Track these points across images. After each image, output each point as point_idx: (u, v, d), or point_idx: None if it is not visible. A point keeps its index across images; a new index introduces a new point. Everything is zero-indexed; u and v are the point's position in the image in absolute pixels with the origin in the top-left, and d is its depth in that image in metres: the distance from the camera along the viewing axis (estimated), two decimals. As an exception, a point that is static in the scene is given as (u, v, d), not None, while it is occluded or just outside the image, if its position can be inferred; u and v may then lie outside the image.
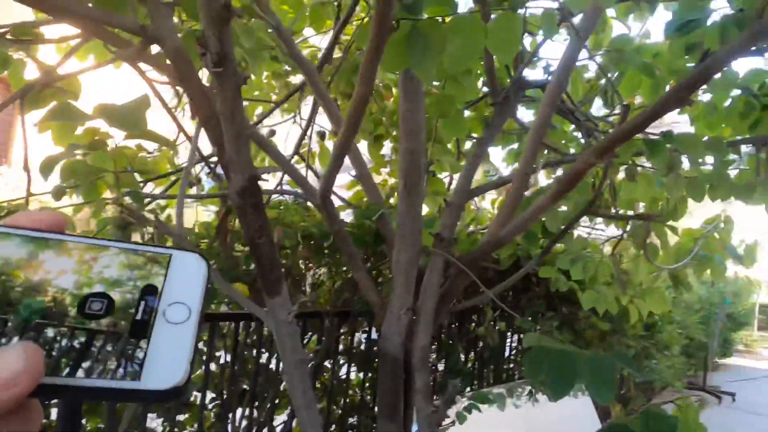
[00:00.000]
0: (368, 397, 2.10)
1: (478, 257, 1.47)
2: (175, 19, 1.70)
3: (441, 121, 1.78)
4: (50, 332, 0.28)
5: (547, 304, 2.66)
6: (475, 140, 1.61)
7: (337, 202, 1.90)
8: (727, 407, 6.72)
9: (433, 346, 2.34)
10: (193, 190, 1.87)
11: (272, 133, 2.22)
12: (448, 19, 1.16)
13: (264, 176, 1.31)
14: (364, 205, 1.59)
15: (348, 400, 2.02)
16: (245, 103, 2.31)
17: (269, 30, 1.46)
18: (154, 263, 0.33)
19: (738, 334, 11.14)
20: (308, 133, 1.78)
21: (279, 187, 1.80)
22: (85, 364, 0.28)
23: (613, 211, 2.03)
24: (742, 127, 1.71)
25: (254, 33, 1.24)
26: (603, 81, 1.93)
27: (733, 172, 1.80)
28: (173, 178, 1.67)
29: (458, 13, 1.14)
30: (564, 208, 1.97)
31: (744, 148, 1.82)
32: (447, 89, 1.73)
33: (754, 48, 1.12)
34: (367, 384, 2.09)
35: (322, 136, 2.15)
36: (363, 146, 2.30)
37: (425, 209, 2.06)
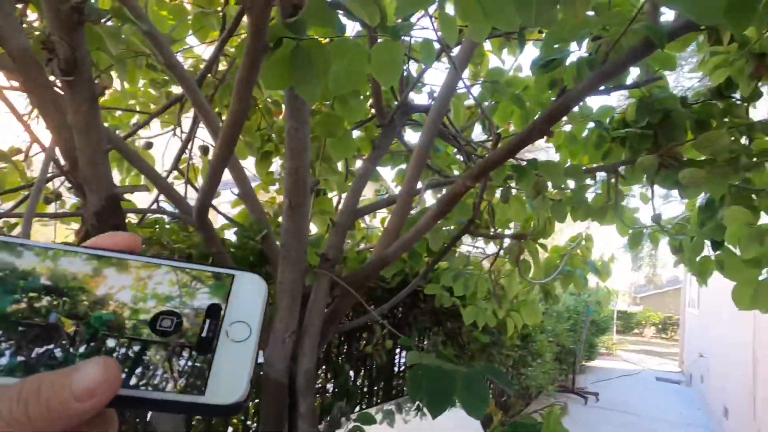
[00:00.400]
0: (253, 424, 2.01)
1: (365, 277, 1.48)
2: (35, 16, 1.52)
3: (329, 140, 1.78)
4: (124, 347, 0.30)
5: (434, 319, 2.76)
6: (362, 160, 1.63)
7: (224, 221, 1.81)
8: (592, 406, 7.45)
9: (323, 367, 2.30)
10: (52, 207, 1.67)
11: (148, 145, 2.07)
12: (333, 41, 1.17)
13: (136, 193, 1.21)
14: (247, 224, 1.53)
15: (232, 428, 1.91)
16: (119, 112, 2.13)
17: (143, 36, 1.36)
18: (219, 283, 0.35)
19: (600, 338, 12.46)
20: (188, 147, 1.68)
21: (155, 205, 1.67)
22: (156, 378, 0.30)
23: (491, 230, 2.18)
24: (597, 156, 1.93)
25: (121, 38, 1.15)
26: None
27: (591, 196, 2.03)
28: (26, 192, 1.48)
29: (342, 36, 1.15)
30: (452, 227, 2.07)
31: (599, 175, 2.05)
32: (335, 109, 1.74)
33: (602, 87, 1.28)
34: (253, 410, 1.99)
35: (204, 150, 2.05)
36: (250, 163, 2.23)
37: (315, 229, 2.04)
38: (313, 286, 1.46)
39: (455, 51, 1.54)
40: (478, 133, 2.45)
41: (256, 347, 0.33)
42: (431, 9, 1.04)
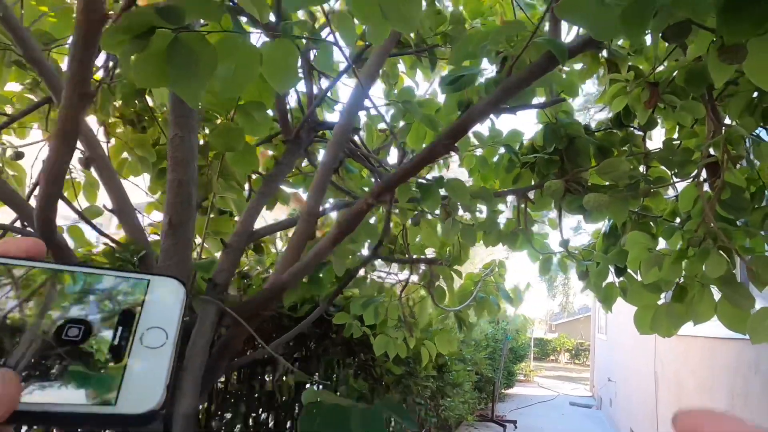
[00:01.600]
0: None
1: (258, 305, 1.32)
2: None
3: (229, 154, 1.63)
4: (26, 357, 0.29)
5: (347, 351, 2.61)
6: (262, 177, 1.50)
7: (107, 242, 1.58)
8: (511, 434, 7.52)
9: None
10: None
11: (18, 155, 1.80)
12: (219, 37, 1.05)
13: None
14: (126, 243, 1.33)
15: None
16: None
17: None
18: (132, 289, 0.33)
19: (518, 366, 12.79)
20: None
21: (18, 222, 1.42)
22: (62, 390, 0.28)
23: (406, 255, 2.10)
24: (508, 181, 1.92)
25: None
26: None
27: (503, 222, 2.02)
28: None
29: (232, 31, 1.03)
30: (365, 251, 1.97)
31: (509, 200, 2.05)
32: (237, 121, 1.60)
33: (508, 106, 1.25)
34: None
35: (86, 163, 1.81)
36: (140, 179, 2.01)
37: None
38: (198, 315, 1.29)
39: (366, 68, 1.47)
40: (394, 155, 2.39)
41: (173, 353, 0.32)
42: (330, 10, 0.95)
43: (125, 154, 2.07)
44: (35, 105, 1.40)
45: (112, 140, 1.85)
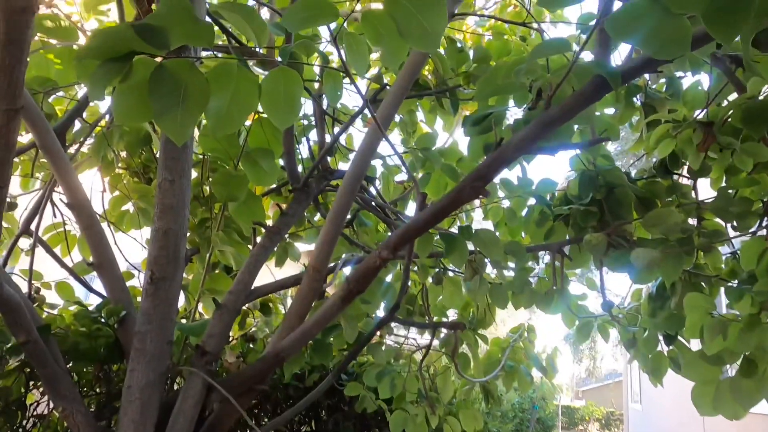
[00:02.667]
0: None
1: (253, 377, 1.12)
2: None
3: (231, 204, 1.49)
4: None
5: (361, 425, 2.34)
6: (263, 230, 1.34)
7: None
8: None
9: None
10: None
11: (10, 206, 1.68)
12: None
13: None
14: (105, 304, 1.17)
15: None
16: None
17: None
18: None
19: (547, 437, 11.93)
20: (43, 204, 1.33)
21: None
22: None
23: (427, 318, 1.88)
24: (539, 235, 1.73)
25: None
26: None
27: (533, 281, 1.81)
28: None
29: (225, 56, 0.91)
30: (380, 313, 1.77)
31: (542, 257, 1.85)
32: (243, 168, 1.47)
33: (545, 146, 1.08)
34: None
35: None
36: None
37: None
38: (181, 389, 1.09)
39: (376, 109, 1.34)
40: (412, 208, 2.23)
41: None
42: (338, 33, 0.82)
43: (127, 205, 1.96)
44: (19, 150, 1.29)
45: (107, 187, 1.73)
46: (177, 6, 0.76)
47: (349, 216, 1.98)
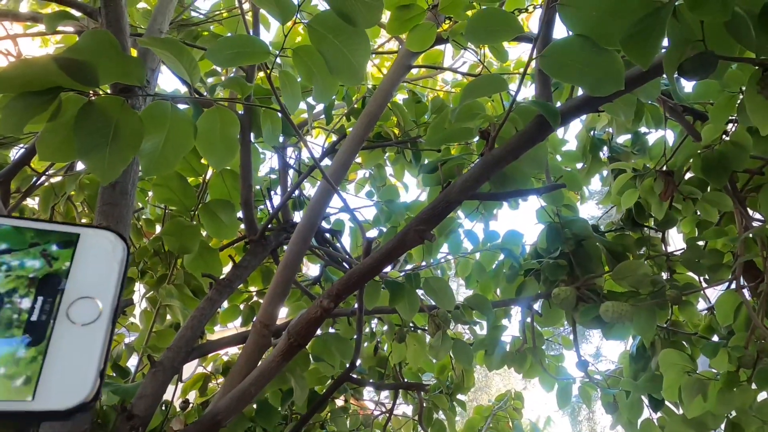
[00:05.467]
0: None
1: (185, 445, 1.01)
2: None
3: (186, 256, 1.43)
4: None
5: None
6: (212, 283, 1.27)
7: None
8: None
9: None
10: None
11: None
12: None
13: None
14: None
15: None
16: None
17: None
18: (57, 246, 0.27)
19: None
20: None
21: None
22: None
23: (402, 380, 1.77)
24: (510, 291, 1.66)
25: None
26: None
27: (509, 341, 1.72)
28: None
29: (159, 95, 0.88)
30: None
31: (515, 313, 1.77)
32: (202, 220, 1.42)
33: (500, 193, 1.05)
34: None
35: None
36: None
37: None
38: (101, 460, 0.97)
39: (327, 160, 1.33)
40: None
41: (108, 330, 0.26)
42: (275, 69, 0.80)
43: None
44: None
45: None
46: (101, 39, 0.74)
47: (317, 273, 1.92)
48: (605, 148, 1.69)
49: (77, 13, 1.23)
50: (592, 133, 1.71)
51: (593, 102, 0.81)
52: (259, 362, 1.16)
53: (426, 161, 1.49)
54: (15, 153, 1.39)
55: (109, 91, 0.86)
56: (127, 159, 0.84)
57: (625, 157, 1.62)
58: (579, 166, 1.75)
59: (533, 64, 0.80)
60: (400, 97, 1.73)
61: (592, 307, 1.36)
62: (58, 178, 1.48)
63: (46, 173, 1.33)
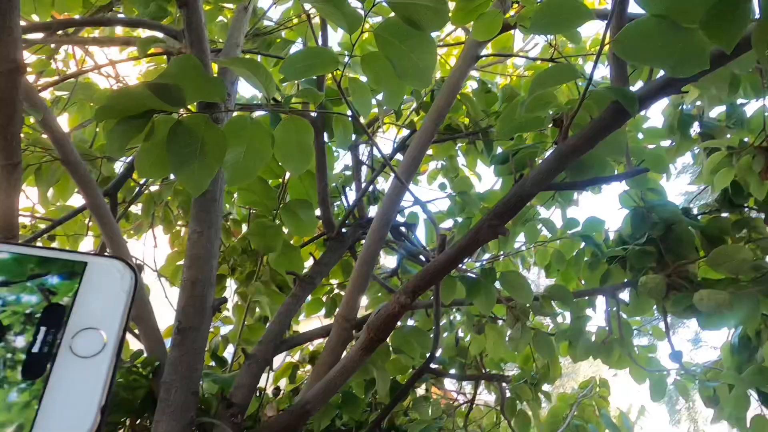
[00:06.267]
0: None
1: (280, 430, 1.09)
2: None
3: (270, 255, 1.52)
4: None
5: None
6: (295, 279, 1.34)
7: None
8: None
9: None
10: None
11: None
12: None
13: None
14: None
15: None
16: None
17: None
18: (64, 275, 0.26)
19: None
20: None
21: None
22: None
23: (484, 371, 1.77)
24: (594, 279, 1.60)
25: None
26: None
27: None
28: None
29: (240, 105, 0.95)
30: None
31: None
32: (283, 219, 1.50)
33: (578, 182, 1.02)
34: None
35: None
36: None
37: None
38: (207, 443, 1.08)
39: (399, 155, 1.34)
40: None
41: (112, 362, 0.25)
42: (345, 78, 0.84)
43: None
44: (74, 212, 1.40)
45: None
46: (186, 64, 0.81)
47: (395, 265, 1.95)
48: (696, 124, 1.56)
49: (162, 34, 1.33)
50: (680, 108, 1.59)
51: (676, 83, 0.76)
52: (343, 355, 1.21)
53: (500, 150, 1.47)
54: (119, 167, 1.54)
55: (194, 110, 0.94)
56: (213, 171, 0.91)
57: (719, 132, 1.49)
58: (665, 143, 1.63)
59: (607, 46, 0.77)
60: (471, 84, 1.71)
61: (684, 295, 1.27)
62: (156, 187, 1.62)
63: (146, 183, 1.47)
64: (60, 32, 1.31)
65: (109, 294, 0.26)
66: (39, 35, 1.24)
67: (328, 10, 0.69)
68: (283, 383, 1.98)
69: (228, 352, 1.90)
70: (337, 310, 1.25)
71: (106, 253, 0.22)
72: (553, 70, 0.73)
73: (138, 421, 1.21)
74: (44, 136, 1.26)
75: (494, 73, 1.82)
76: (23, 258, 0.26)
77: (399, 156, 1.61)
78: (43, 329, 0.25)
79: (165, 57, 1.38)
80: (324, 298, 2.03)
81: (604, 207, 1.59)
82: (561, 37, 1.28)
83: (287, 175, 1.63)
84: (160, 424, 1.00)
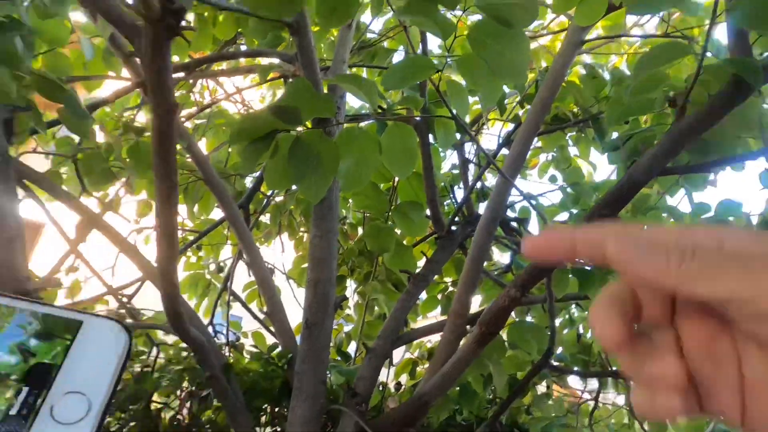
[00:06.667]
0: None
1: (400, 420, 1.15)
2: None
3: (385, 255, 1.60)
4: None
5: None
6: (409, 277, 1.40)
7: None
8: None
9: None
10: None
11: (219, 269, 2.07)
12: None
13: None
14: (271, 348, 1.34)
15: None
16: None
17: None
18: (55, 334, 0.25)
19: None
20: (234, 266, 1.61)
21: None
22: None
23: (610, 368, 1.69)
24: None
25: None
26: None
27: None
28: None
29: (349, 117, 1.03)
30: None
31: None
32: (394, 220, 1.58)
33: (704, 163, 0.95)
34: None
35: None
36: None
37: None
38: (337, 430, 1.17)
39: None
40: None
41: (95, 429, 0.23)
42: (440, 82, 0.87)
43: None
44: (215, 224, 1.60)
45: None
46: (300, 86, 0.91)
47: (508, 261, 1.93)
48: None
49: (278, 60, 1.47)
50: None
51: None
52: (457, 349, 1.24)
53: (614, 135, 1.40)
54: (248, 181, 1.73)
55: (310, 126, 1.04)
56: (328, 181, 1.00)
57: None
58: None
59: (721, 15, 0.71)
60: (579, 70, 1.64)
61: None
62: (280, 198, 1.79)
63: (273, 195, 1.63)
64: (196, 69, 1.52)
65: (100, 356, 0.25)
66: (181, 74, 1.45)
67: (422, 21, 0.74)
68: (403, 379, 2.07)
69: (351, 348, 2.03)
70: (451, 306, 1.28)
71: (102, 313, 0.21)
72: (659, 49, 0.70)
73: (276, 409, 1.35)
74: (189, 159, 1.46)
75: (607, 53, 1.73)
76: (23, 312, 0.25)
77: (505, 150, 1.60)
78: (25, 389, 0.23)
79: (282, 80, 1.52)
80: (439, 296, 2.07)
81: (739, 188, 1.43)
82: (674, 10, 1.18)
83: (397, 178, 1.70)
84: (296, 410, 1.12)
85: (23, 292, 0.71)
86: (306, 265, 2.20)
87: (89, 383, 0.24)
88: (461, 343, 1.28)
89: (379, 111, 1.00)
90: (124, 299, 1.52)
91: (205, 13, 1.56)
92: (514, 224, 1.77)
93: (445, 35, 0.76)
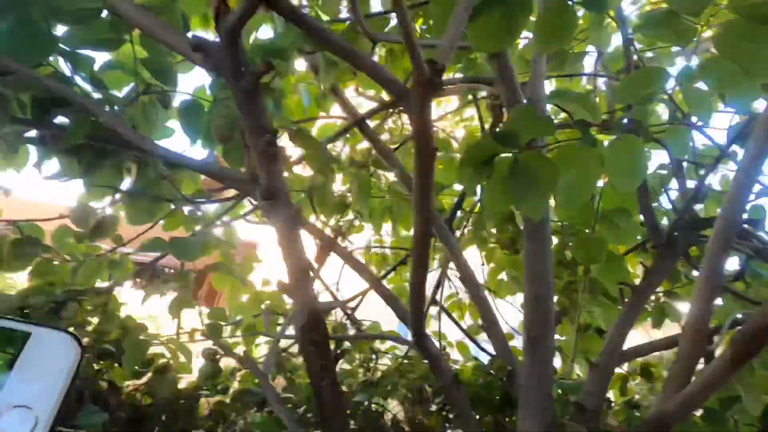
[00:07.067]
0: None
1: (637, 441, 1.10)
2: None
3: (594, 266, 1.55)
4: None
5: None
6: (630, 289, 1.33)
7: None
8: None
9: None
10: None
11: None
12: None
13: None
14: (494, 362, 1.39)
15: None
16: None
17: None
18: (1, 345, 0.23)
19: None
20: (441, 280, 1.71)
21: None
22: None
23: None
24: None
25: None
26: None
27: None
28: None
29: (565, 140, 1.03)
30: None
31: None
32: (599, 231, 1.52)
33: None
34: None
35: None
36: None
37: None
38: (566, 444, 1.17)
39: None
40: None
41: None
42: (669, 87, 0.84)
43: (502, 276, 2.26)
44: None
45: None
46: (521, 112, 0.95)
47: (738, 267, 1.71)
48: None
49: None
50: None
51: None
52: (699, 368, 1.15)
53: None
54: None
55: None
56: (547, 199, 1.02)
57: None
58: None
59: None
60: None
61: None
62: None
63: (471, 211, 1.70)
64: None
65: (49, 369, 0.22)
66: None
67: (661, 33, 0.72)
68: (610, 394, 1.95)
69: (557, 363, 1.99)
70: (683, 320, 1.19)
71: (51, 325, 0.22)
72: None
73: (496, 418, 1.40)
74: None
75: None
76: None
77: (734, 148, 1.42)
78: None
79: (483, 102, 1.59)
80: (649, 308, 1.92)
81: None
82: None
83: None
84: (525, 422, 1.15)
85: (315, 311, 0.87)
86: (501, 276, 2.24)
87: (36, 397, 0.22)
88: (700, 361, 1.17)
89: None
90: (349, 311, 1.72)
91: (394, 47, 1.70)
92: (745, 226, 1.56)
93: (685, 42, 0.74)
